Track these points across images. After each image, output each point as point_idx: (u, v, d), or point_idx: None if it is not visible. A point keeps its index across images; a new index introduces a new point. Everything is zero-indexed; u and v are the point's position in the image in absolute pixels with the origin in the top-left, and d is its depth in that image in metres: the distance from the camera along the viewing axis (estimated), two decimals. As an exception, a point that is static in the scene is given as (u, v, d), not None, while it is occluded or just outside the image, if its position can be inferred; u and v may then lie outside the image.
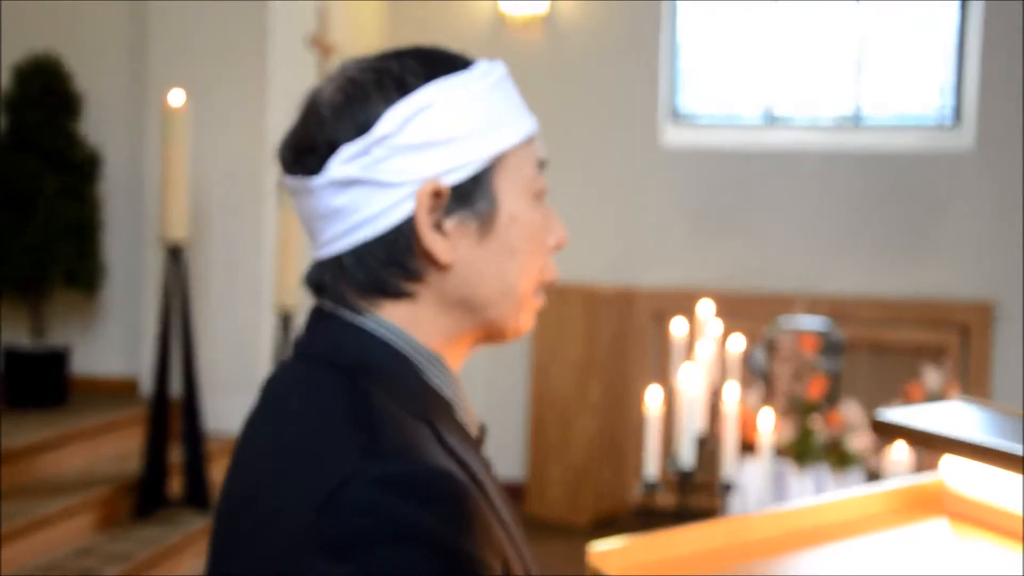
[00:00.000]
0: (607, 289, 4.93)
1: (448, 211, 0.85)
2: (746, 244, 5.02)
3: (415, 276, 0.86)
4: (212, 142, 4.22)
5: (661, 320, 5.03)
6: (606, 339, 4.90)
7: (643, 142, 5.11)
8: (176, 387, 3.72)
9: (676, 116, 5.25)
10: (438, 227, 0.85)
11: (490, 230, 0.87)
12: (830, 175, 4.96)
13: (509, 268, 0.88)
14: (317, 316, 0.89)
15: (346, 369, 0.84)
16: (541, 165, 0.91)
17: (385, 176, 0.84)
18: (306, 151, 0.86)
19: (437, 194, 0.84)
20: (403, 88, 0.84)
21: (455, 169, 0.85)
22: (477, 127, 0.85)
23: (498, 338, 0.92)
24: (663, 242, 5.10)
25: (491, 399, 5.19)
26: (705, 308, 3.49)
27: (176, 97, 3.64)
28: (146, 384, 4.09)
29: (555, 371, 4.93)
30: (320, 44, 4.48)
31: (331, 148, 0.84)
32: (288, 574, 0.75)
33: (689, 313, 4.70)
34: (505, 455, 5.15)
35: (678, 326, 3.49)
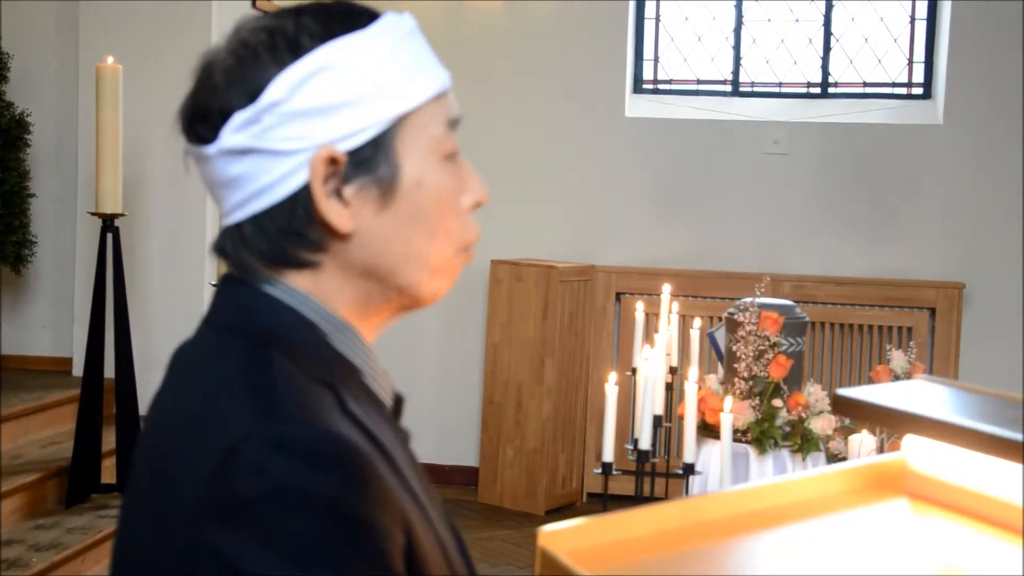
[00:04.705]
0: (565, 266, 4.80)
1: (347, 178, 0.83)
2: (709, 222, 4.93)
3: (316, 245, 0.85)
4: (151, 108, 4.05)
5: (620, 299, 4.93)
6: (563, 318, 4.79)
7: (606, 114, 4.99)
8: (110, 367, 3.63)
9: (640, 87, 5.12)
10: (338, 195, 0.83)
11: (393, 196, 0.85)
12: (795, 149, 4.87)
13: (416, 234, 0.86)
14: (225, 283, 0.89)
15: (250, 335, 0.83)
16: (452, 124, 0.88)
17: (277, 144, 0.82)
18: (199, 119, 0.84)
19: (333, 161, 0.82)
20: (296, 50, 0.82)
21: (352, 134, 0.83)
22: (375, 89, 0.83)
23: (413, 306, 0.90)
24: (624, 219, 4.99)
25: (443, 379, 5.08)
26: (666, 287, 3.42)
27: (110, 58, 3.53)
28: (79, 364, 4.00)
29: (509, 351, 4.81)
30: (267, 7, 4.38)
31: (223, 116, 0.83)
32: (185, 547, 0.74)
33: (649, 292, 4.63)
34: (457, 438, 5.05)
35: (638, 305, 3.42)
